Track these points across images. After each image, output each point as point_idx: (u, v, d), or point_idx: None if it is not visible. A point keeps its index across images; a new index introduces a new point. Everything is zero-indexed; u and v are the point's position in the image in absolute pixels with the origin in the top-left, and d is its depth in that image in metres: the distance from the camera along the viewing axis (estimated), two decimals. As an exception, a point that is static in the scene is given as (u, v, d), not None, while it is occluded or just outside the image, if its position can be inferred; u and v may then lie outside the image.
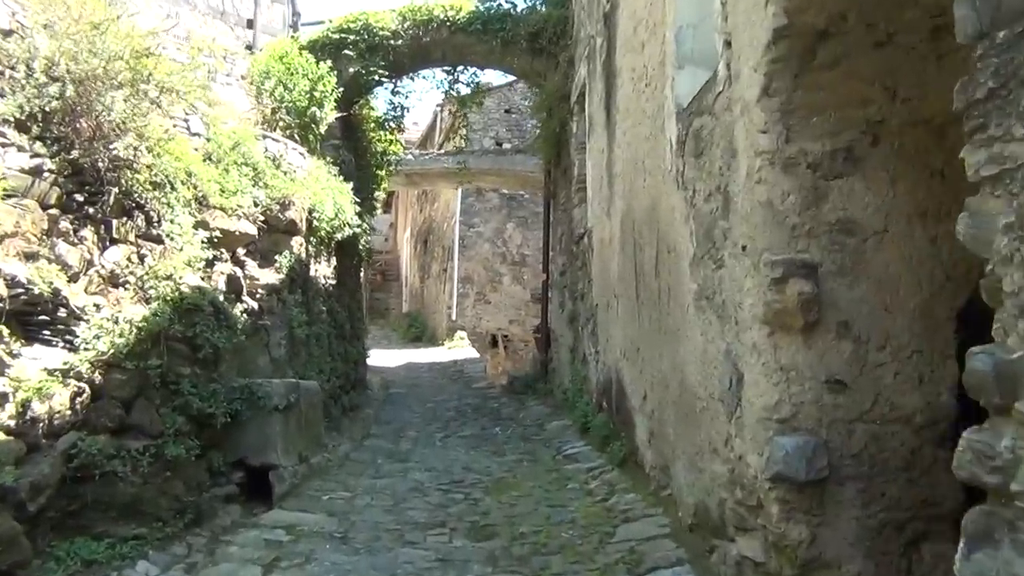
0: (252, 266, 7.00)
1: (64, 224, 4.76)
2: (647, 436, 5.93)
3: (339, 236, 9.11)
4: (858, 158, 3.29)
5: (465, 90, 11.95)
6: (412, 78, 11.79)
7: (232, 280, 6.39)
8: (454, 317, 20.63)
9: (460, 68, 11.67)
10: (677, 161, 4.74)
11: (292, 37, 10.27)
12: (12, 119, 4.57)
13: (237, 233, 6.68)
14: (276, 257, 7.39)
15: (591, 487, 6.42)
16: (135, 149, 5.37)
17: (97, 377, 4.58)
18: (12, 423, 3.97)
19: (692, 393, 4.49)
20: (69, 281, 4.64)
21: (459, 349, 19.38)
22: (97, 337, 4.62)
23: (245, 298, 6.63)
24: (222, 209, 6.50)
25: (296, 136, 8.76)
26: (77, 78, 4.99)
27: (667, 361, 5.18)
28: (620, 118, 6.82)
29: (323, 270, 9.20)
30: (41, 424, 4.16)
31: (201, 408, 5.21)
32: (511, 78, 17.98)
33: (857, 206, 3.29)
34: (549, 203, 12.31)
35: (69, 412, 4.34)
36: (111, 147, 5.17)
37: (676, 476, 4.95)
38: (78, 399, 4.41)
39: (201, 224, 6.14)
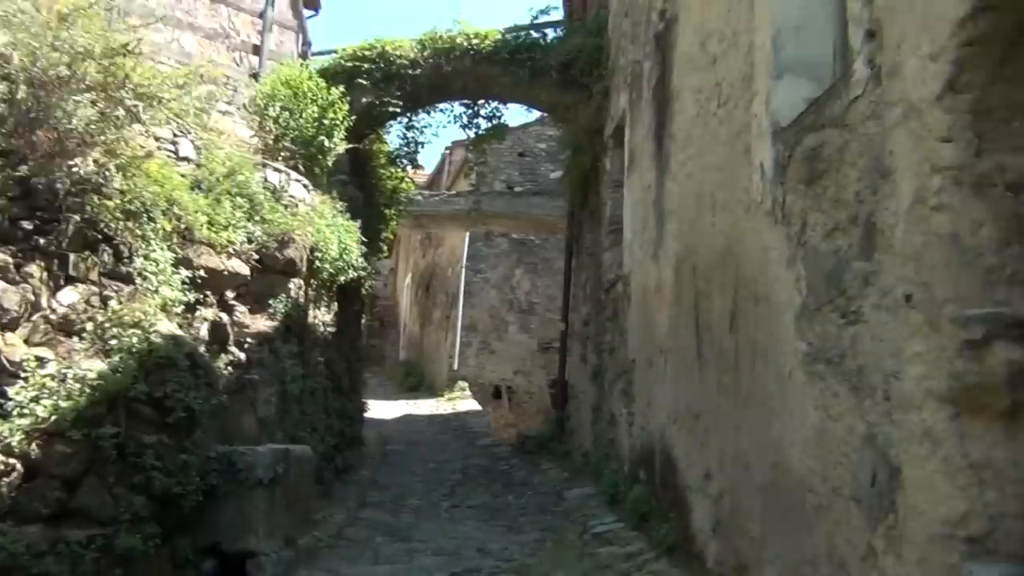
0: (242, 311, 6.03)
1: (3, 256, 3.80)
2: (710, 524, 4.89)
3: (342, 279, 8.14)
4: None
5: (485, 125, 11.03)
6: (429, 112, 10.91)
7: (217, 328, 5.43)
8: (455, 366, 19.55)
9: (482, 102, 10.80)
10: (773, 190, 3.82)
11: (302, 65, 9.35)
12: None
13: (226, 273, 5.74)
14: (271, 301, 6.42)
15: (638, 582, 5.36)
16: (104, 168, 4.43)
17: (33, 450, 3.59)
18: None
19: (798, 483, 3.49)
20: (4, 329, 3.66)
21: (460, 400, 18.26)
22: (36, 400, 3.64)
23: (231, 349, 5.65)
24: (210, 245, 5.57)
25: (301, 167, 7.81)
26: (34, 78, 4.08)
27: (749, 437, 4.18)
28: (677, 148, 5.91)
29: (323, 316, 8.21)
30: (-52, 516, 3.17)
31: (167, 485, 4.19)
32: (525, 119, 17.25)
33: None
34: (572, 247, 11.30)
35: (-9, 497, 3.35)
36: (73, 164, 4.23)
37: (765, 585, 3.92)
38: (4, 480, 3.41)
39: (183, 262, 5.20)
